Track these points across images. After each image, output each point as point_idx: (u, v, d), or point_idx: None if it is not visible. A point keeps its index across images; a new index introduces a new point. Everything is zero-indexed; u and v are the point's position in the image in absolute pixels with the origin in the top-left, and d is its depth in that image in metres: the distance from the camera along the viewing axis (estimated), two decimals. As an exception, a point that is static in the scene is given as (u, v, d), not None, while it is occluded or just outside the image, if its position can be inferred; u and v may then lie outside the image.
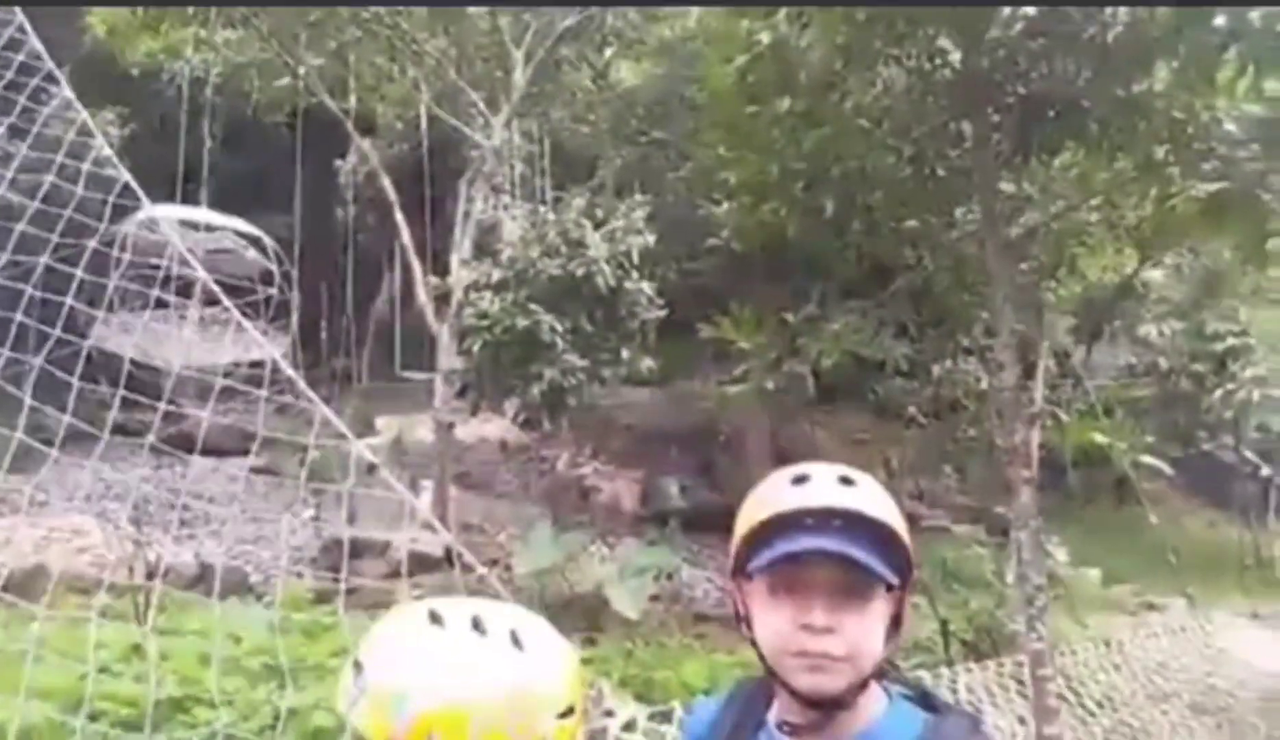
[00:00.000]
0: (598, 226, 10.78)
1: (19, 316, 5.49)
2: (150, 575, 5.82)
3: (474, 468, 14.22)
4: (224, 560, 7.35)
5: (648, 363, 10.71)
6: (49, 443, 6.13)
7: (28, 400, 5.39)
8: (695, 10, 12.97)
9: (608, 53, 14.68)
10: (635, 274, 10.54)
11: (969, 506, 14.15)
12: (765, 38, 5.99)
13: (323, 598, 6.83)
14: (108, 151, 6.10)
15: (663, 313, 10.83)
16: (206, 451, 7.33)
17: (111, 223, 6.72)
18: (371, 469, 5.24)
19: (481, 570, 5.33)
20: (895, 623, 1.27)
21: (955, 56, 6.54)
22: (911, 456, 11.82)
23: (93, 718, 3.78)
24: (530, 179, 17.64)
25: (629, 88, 14.84)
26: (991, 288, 6.62)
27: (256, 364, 16.40)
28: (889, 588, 1.24)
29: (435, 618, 1.12)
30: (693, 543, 12.47)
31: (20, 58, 6.38)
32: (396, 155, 16.57)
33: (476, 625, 1.12)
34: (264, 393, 6.79)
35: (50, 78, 6.25)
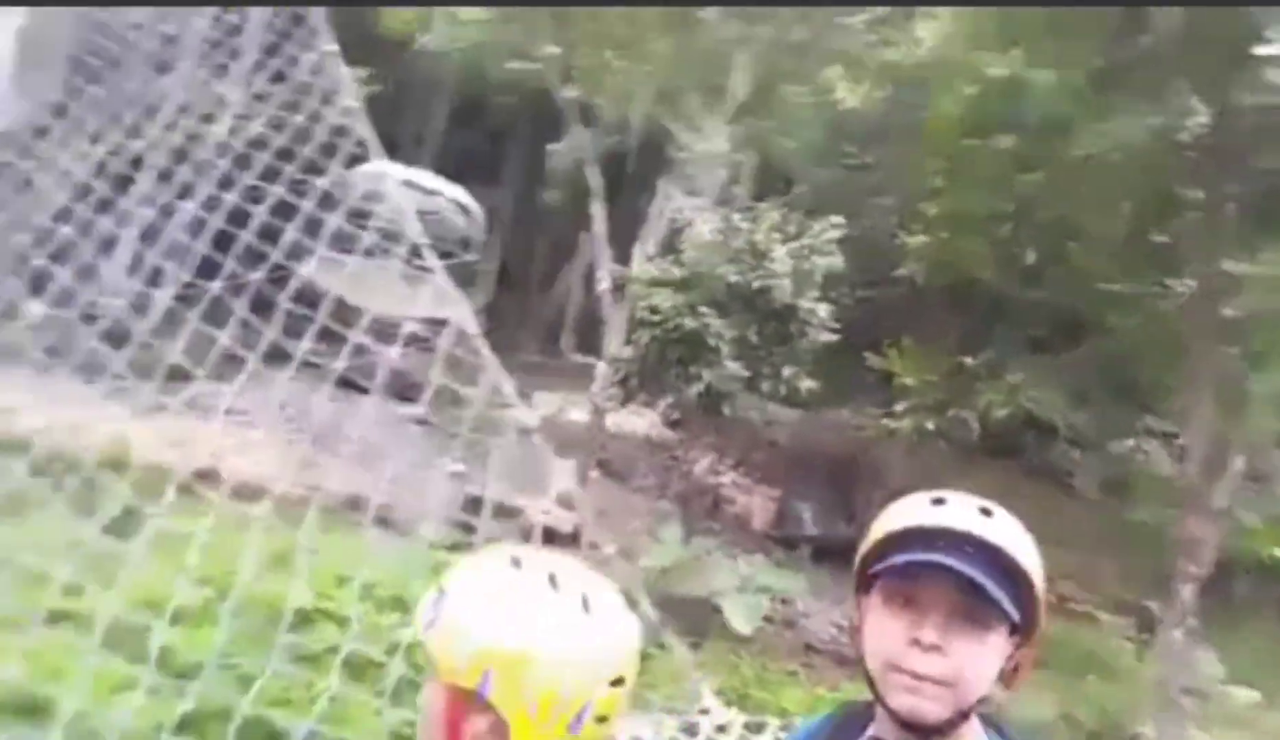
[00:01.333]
0: (788, 241, 10.71)
1: (245, 238, 6.08)
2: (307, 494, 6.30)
3: (617, 457, 14.47)
4: (378, 495, 7.80)
5: (808, 384, 10.52)
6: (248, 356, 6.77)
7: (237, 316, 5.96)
8: (929, 37, 12.60)
9: (833, 72, 14.53)
10: (813, 294, 10.39)
11: (1123, 597, 13.04)
12: (997, 72, 5.73)
13: (456, 548, 7.14)
14: (355, 104, 6.65)
15: (834, 336, 10.62)
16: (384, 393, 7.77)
17: (329, 173, 7.35)
18: (527, 433, 5.42)
19: (609, 551, 5.42)
20: (1013, 668, 1.24)
21: (1201, 119, 6.02)
22: (1070, 531, 11.08)
23: (236, 613, 4.14)
24: (728, 185, 17.73)
25: (845, 109, 14.62)
26: (1193, 369, 6.04)
27: (443, 322, 17.42)
28: (1013, 630, 1.20)
29: (516, 563, 1.19)
30: (818, 572, 12.14)
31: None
32: (606, 147, 17.07)
33: (552, 580, 1.17)
34: (443, 347, 7.20)
35: (313, 30, 6.86)
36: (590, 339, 14.58)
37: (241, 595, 4.23)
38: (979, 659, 1.19)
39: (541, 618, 1.13)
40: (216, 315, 6.23)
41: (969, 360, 7.22)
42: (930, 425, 7.14)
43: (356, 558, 5.32)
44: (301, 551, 5.22)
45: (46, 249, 5.90)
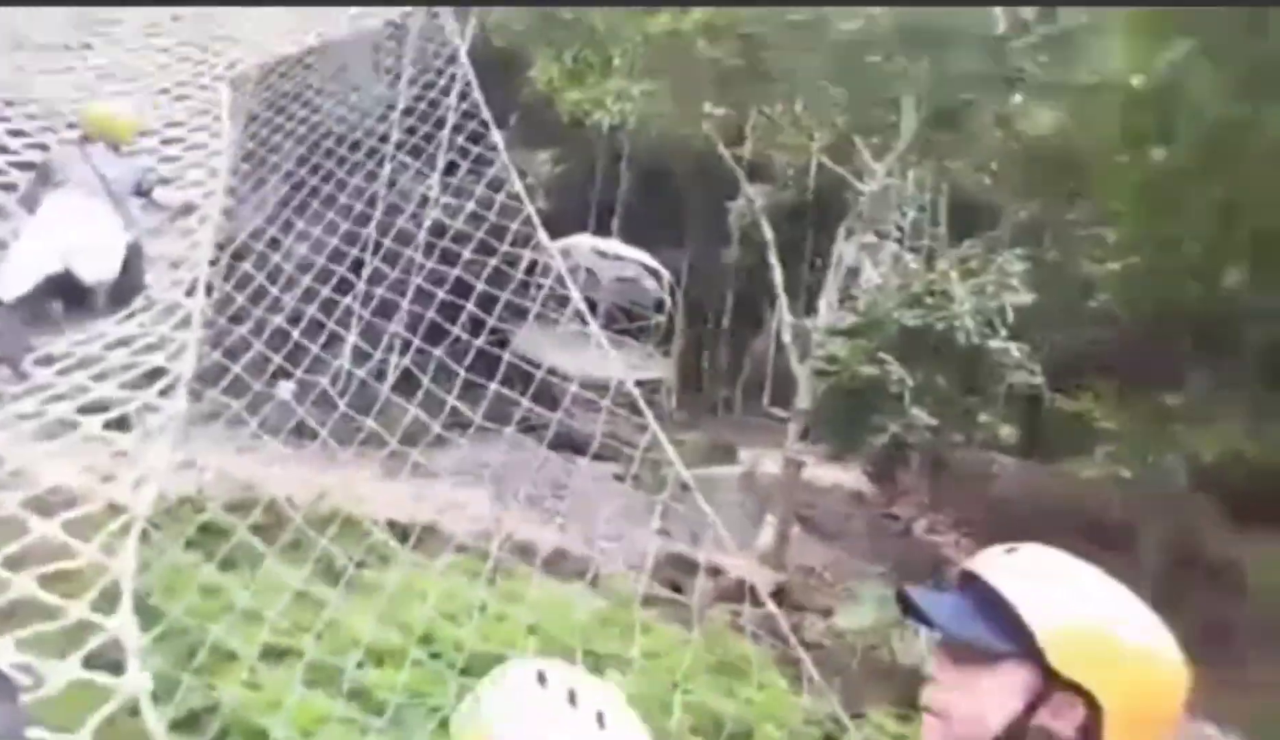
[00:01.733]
0: (969, 278, 10.21)
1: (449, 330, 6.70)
2: (504, 546, 6.71)
3: (824, 513, 14.12)
4: (578, 549, 8.16)
5: (1006, 430, 9.84)
6: (465, 427, 7.37)
7: (448, 393, 6.51)
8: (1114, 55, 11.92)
9: (1017, 98, 14.01)
10: (1004, 333, 9.77)
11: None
12: (1137, 82, 5.35)
13: (649, 603, 7.30)
14: (518, 187, 7.21)
15: (1033, 378, 9.92)
16: (587, 453, 8.21)
17: (529, 249, 7.99)
18: (685, 488, 5.56)
19: (772, 608, 5.39)
20: (1050, 709, 1.16)
21: None
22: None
23: (434, 655, 4.48)
24: (919, 227, 17.32)
25: (1036, 135, 14.01)
26: None
27: (641, 383, 17.96)
28: (1050, 674, 1.15)
29: (541, 679, 1.30)
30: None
31: (465, 106, 7.77)
32: (784, 201, 17.21)
33: (571, 697, 1.28)
34: (645, 407, 7.53)
35: (484, 124, 7.53)
36: (787, 393, 14.55)
37: (444, 642, 4.55)
38: (978, 691, 1.18)
39: (556, 733, 1.23)
40: (437, 386, 6.87)
41: (1171, 399, 6.52)
42: (1128, 473, 6.50)
43: (553, 610, 5.58)
44: (500, 602, 5.56)
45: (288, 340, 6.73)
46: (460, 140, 7.84)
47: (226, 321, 7.00)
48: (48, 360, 4.14)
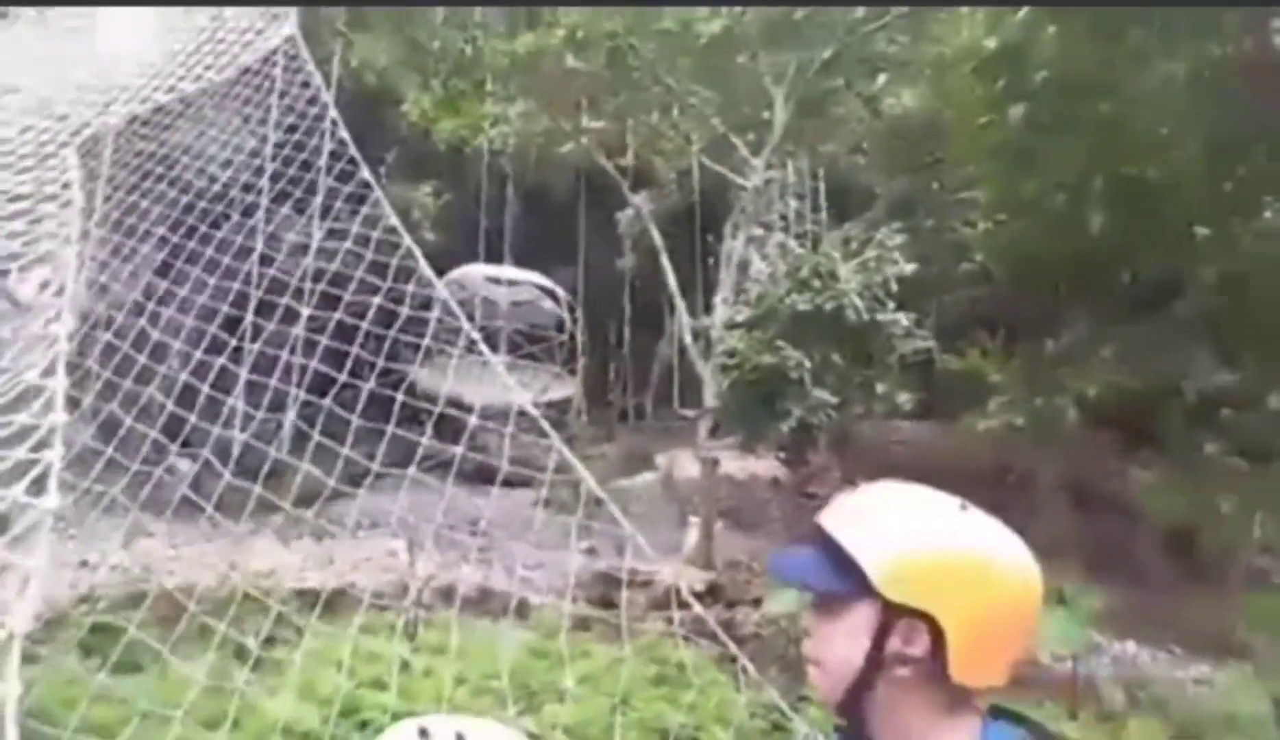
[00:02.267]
0: (851, 257, 10.51)
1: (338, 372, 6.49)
2: (422, 596, 6.54)
3: (745, 505, 14.28)
4: (503, 585, 8.01)
5: (904, 397, 10.18)
6: (373, 475, 7.15)
7: (344, 441, 6.31)
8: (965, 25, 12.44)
9: (881, 79, 14.46)
10: (891, 305, 10.10)
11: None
12: (991, 43, 5.61)
13: (581, 625, 7.22)
14: (393, 221, 7.05)
15: (924, 344, 10.28)
16: (501, 482, 8.03)
17: (412, 284, 7.82)
18: (599, 503, 5.51)
19: (698, 610, 5.41)
20: (914, 648, 1.20)
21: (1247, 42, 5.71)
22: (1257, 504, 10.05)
23: (361, 725, 4.32)
24: (805, 216, 17.70)
25: (899, 113, 14.48)
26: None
27: (551, 404, 17.81)
28: (888, 604, 1.20)
29: (424, 734, 1.33)
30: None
31: (333, 147, 7.57)
32: (671, 205, 17.38)
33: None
34: (554, 428, 7.43)
35: (351, 162, 7.35)
36: (696, 394, 14.67)
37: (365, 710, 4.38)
38: (834, 635, 1.24)
39: None
40: (332, 434, 6.65)
41: (1051, 345, 6.85)
42: (1019, 421, 6.79)
43: (480, 654, 5.45)
44: (424, 656, 5.40)
45: (171, 398, 6.40)
46: (331, 182, 7.65)
47: (102, 402, 6.65)
48: None
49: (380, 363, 6.79)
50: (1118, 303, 8.08)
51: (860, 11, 11.83)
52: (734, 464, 13.91)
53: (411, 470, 6.57)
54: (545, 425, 6.54)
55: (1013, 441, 12.11)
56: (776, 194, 16.60)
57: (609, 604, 8.41)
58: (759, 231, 11.72)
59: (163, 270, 8.46)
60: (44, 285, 5.36)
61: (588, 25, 11.55)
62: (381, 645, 4.81)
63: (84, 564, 7.00)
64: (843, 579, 1.22)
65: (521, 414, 7.48)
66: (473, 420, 7.59)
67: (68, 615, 5.19)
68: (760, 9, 12.43)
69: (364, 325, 6.83)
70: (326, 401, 6.55)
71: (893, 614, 1.20)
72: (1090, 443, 10.66)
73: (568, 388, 16.85)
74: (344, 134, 7.24)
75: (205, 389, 6.48)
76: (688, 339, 11.86)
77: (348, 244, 7.04)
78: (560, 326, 17.46)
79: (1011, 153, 6.19)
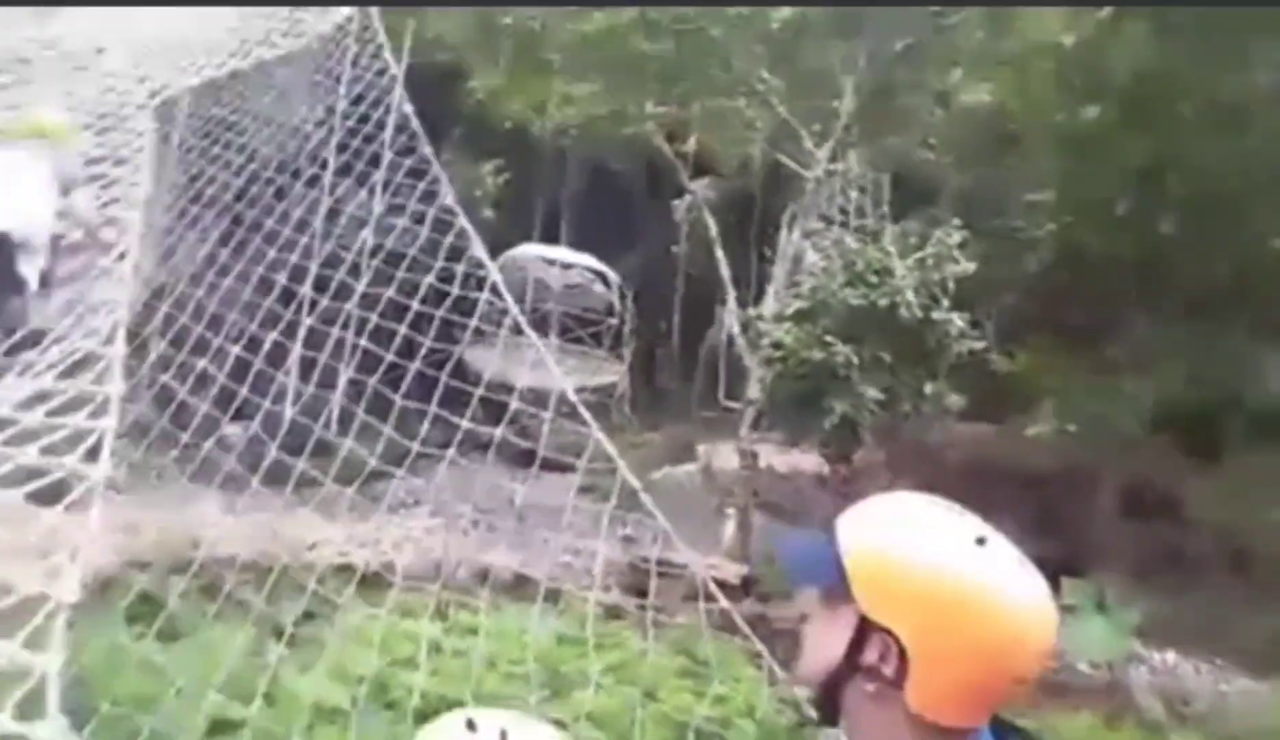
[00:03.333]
0: (910, 253, 10.30)
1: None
2: (455, 576, 6.59)
3: (787, 499, 14.14)
4: (538, 570, 8.03)
5: (955, 397, 9.92)
6: (430, 454, 7.18)
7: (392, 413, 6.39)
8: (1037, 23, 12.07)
9: (956, 74, 14.12)
10: (947, 303, 9.86)
11: None
12: (1068, 41, 5.40)
13: (614, 614, 7.23)
14: (450, 201, 7.07)
15: (977, 344, 10.01)
16: (544, 466, 8.04)
17: (462, 263, 7.86)
18: (634, 493, 5.49)
19: (724, 604, 5.39)
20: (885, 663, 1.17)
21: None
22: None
23: (389, 705, 4.37)
24: (867, 211, 17.40)
25: (969, 108, 14.14)
26: None
27: (598, 390, 17.80)
28: (868, 618, 1.18)
29: (471, 726, 1.34)
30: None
31: (395, 119, 7.62)
32: (731, 193, 17.21)
33: (503, 736, 1.32)
34: (598, 413, 7.44)
35: (413, 136, 7.37)
36: (742, 386, 14.56)
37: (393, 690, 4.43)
38: (821, 629, 1.24)
39: None
40: (380, 411, 6.73)
41: (1111, 350, 6.64)
42: (1071, 426, 6.58)
43: (510, 639, 5.48)
44: (455, 637, 5.44)
45: (226, 368, 6.56)
46: (393, 156, 7.71)
47: (161, 370, 6.80)
48: None
49: (429, 342, 6.85)
50: (1181, 308, 7.82)
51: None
52: (778, 458, 13.79)
53: (451, 451, 6.64)
54: (584, 412, 6.53)
55: (1066, 446, 11.82)
56: (838, 187, 16.35)
57: (643, 593, 8.42)
58: (819, 225, 11.52)
59: (225, 239, 8.63)
60: (105, 246, 5.48)
61: (659, 9, 11.46)
62: (413, 625, 4.85)
63: (132, 529, 7.18)
64: (836, 577, 1.20)
65: (560, 398, 7.51)
66: (515, 403, 7.62)
67: (113, 579, 5.34)
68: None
69: (414, 305, 6.89)
70: (373, 380, 6.64)
71: (869, 626, 1.18)
72: (1147, 449, 10.39)
73: (615, 373, 16.86)
74: (408, 108, 7.29)
75: (259, 362, 6.61)
76: (736, 330, 11.75)
77: (404, 221, 7.10)
78: (611, 311, 17.45)
79: (1084, 151, 5.99)
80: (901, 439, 11.29)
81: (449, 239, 6.78)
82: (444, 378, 6.60)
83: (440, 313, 6.97)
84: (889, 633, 1.15)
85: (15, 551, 4.01)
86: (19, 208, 4.52)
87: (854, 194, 17.06)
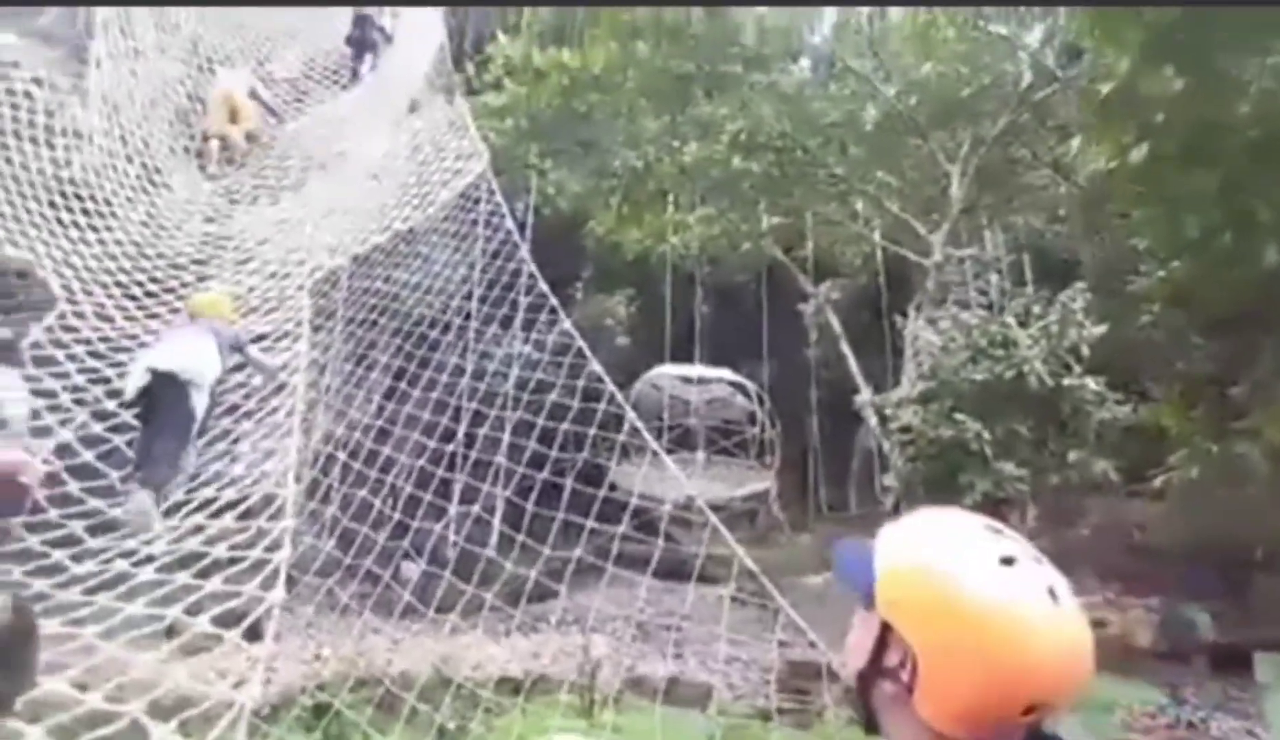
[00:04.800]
0: (1034, 322, 9.99)
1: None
2: (598, 677, 6.76)
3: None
4: (693, 674, 8.13)
5: (1102, 465, 9.33)
6: (580, 571, 7.52)
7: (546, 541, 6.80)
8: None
9: (1075, 143, 13.98)
10: (1078, 368, 9.43)
11: None
12: (1103, 89, 5.37)
13: (765, 715, 7.19)
14: (568, 327, 7.58)
15: (1121, 408, 9.46)
16: (699, 578, 8.21)
17: (620, 386, 8.35)
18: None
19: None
20: (904, 665, 1.21)
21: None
22: None
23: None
24: (1009, 288, 17.07)
25: (1091, 173, 13.88)
26: None
27: (749, 498, 17.79)
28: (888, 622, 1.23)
29: None
30: (1227, 684, 10.27)
31: (512, 265, 8.35)
32: (856, 290, 17.35)
33: None
34: (745, 522, 7.65)
35: (531, 277, 8.05)
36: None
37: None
38: (858, 630, 1.27)
39: None
40: (537, 533, 7.13)
41: (1235, 390, 6.19)
42: (1195, 473, 6.10)
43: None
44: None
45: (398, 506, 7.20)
46: (527, 305, 8.35)
47: (340, 513, 7.50)
48: (148, 559, 4.55)
49: (573, 460, 7.26)
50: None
51: (1027, 79, 11.61)
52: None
53: (608, 567, 6.90)
54: (713, 518, 6.72)
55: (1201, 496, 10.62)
56: (969, 271, 16.19)
57: (802, 692, 8.29)
58: (950, 309, 11.37)
59: (389, 393, 9.55)
60: (279, 387, 6.42)
61: (751, 128, 12.00)
62: (561, 724, 5.09)
63: (317, 657, 7.80)
64: (870, 583, 1.24)
65: (719, 511, 7.68)
66: (665, 518, 7.86)
67: (295, 699, 5.86)
68: (930, 92, 12.48)
69: (559, 430, 7.34)
70: (530, 504, 7.06)
71: (889, 630, 1.21)
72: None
73: (764, 481, 16.86)
74: (532, 267, 7.97)
75: (427, 497, 7.22)
76: (873, 422, 11.65)
77: (545, 356, 7.69)
78: (753, 420, 17.60)
79: (1154, 194, 5.85)
80: (1046, 514, 10.65)
81: (588, 367, 7.29)
82: (601, 494, 6.91)
83: (581, 430, 7.36)
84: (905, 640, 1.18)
85: (203, 668, 4.57)
86: (191, 361, 5.52)
87: (994, 277, 16.80)
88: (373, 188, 9.13)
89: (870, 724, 1.27)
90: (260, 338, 6.79)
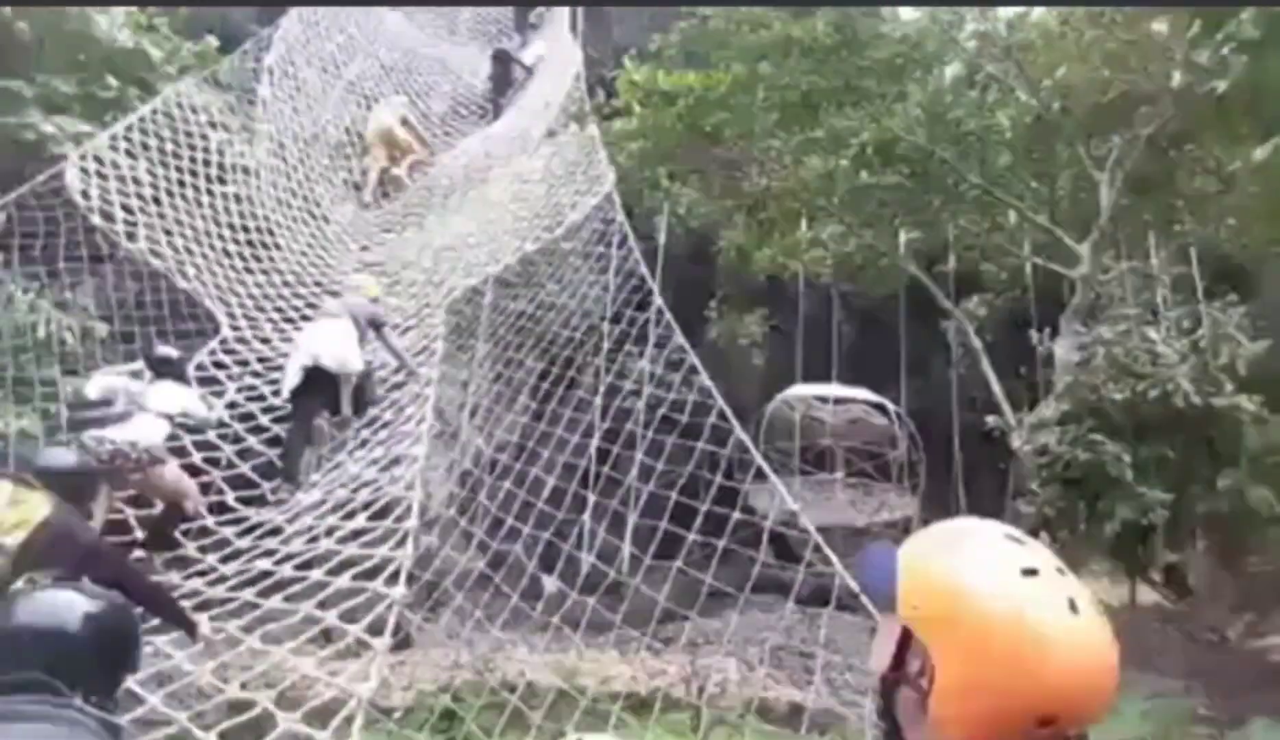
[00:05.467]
0: (1182, 337, 9.21)
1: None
2: (705, 696, 6.69)
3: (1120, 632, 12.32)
4: (818, 701, 7.93)
5: (1259, 491, 8.42)
6: (725, 595, 7.49)
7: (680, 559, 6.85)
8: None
9: (1257, 150, 12.95)
10: (1230, 387, 8.56)
11: None
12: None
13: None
14: (697, 365, 7.52)
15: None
16: (839, 606, 8.07)
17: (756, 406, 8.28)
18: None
19: None
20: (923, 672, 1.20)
21: None
22: None
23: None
24: (1181, 300, 15.90)
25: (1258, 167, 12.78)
26: None
27: (892, 523, 17.17)
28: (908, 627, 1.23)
29: None
30: None
31: (633, 282, 8.46)
32: (1003, 305, 16.57)
33: None
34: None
35: (648, 293, 8.14)
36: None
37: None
38: (880, 636, 1.26)
39: None
40: (671, 555, 7.13)
41: None
42: None
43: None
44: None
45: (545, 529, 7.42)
46: (658, 322, 8.42)
47: (486, 531, 7.77)
48: (286, 557, 4.86)
49: (714, 486, 7.15)
50: None
51: (1175, 78, 10.85)
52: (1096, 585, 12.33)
53: (745, 593, 6.78)
54: (817, 537, 6.48)
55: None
56: (1129, 284, 15.21)
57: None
58: (1097, 325, 10.65)
59: (535, 415, 9.83)
60: (410, 373, 6.88)
61: (879, 140, 11.71)
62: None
63: (457, 664, 8.10)
64: (889, 588, 1.24)
65: (863, 534, 7.46)
66: (810, 546, 7.65)
67: (428, 703, 6.09)
68: (1076, 96, 11.87)
69: (699, 447, 7.32)
70: (663, 524, 7.06)
71: (908, 635, 1.22)
72: None
73: (906, 506, 16.27)
74: (652, 285, 8.06)
75: (560, 514, 7.40)
76: (1015, 444, 11.04)
77: (678, 376, 7.72)
78: (894, 442, 17.03)
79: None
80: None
81: (698, 381, 7.29)
82: (735, 515, 6.81)
83: (716, 451, 7.31)
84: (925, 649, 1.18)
85: (327, 660, 4.82)
86: (340, 359, 6.22)
87: (1162, 291, 15.69)
88: (508, 211, 9.50)
89: (892, 735, 1.27)
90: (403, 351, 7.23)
